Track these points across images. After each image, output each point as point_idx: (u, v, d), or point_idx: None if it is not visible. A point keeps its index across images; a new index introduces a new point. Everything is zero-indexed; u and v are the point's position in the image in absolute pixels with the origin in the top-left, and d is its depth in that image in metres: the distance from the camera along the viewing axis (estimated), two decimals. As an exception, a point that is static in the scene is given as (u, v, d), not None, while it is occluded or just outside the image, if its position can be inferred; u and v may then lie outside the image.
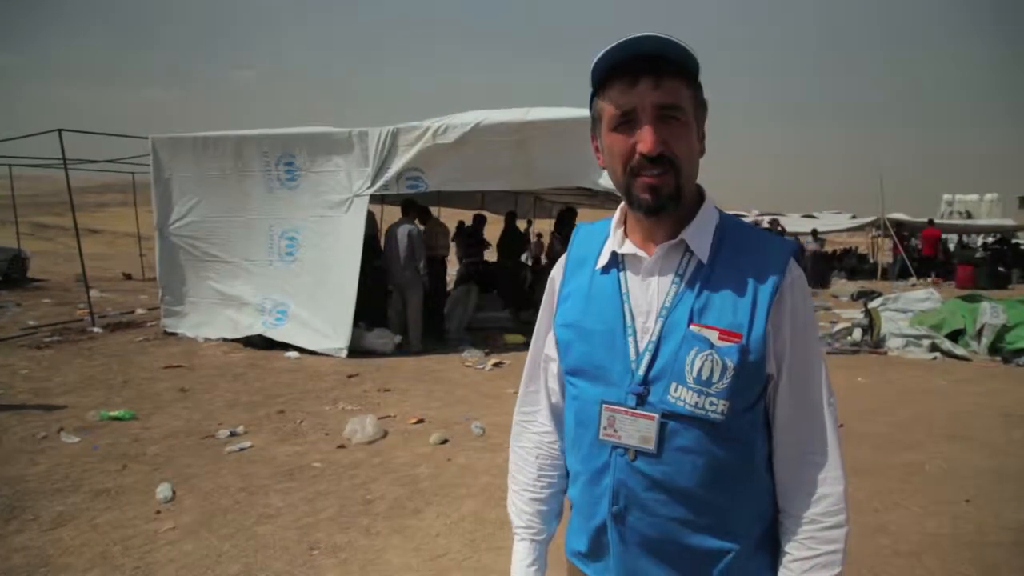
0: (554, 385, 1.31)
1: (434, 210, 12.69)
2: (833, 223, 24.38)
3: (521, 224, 16.42)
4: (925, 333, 8.61)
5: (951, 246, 25.57)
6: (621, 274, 1.15)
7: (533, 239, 14.57)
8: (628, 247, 1.15)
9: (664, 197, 1.06)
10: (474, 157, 7.63)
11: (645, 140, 1.03)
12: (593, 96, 1.12)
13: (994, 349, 8.17)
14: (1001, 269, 17.20)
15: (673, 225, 1.11)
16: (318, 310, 7.94)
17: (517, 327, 9.46)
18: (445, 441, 4.88)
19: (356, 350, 7.74)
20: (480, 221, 11.82)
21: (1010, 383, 6.91)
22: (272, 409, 5.63)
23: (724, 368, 1.04)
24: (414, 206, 8.56)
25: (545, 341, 1.31)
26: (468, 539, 3.40)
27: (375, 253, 8.42)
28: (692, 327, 1.07)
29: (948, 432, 5.19)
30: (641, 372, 1.09)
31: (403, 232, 8.21)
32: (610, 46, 1.02)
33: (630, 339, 1.11)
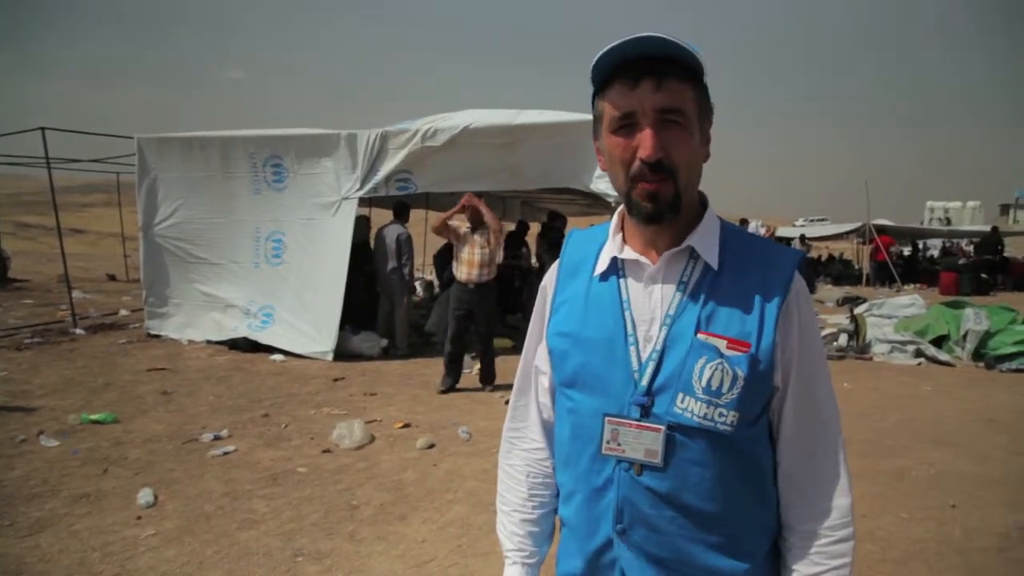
0: (545, 399, 1.26)
1: (421, 212, 12.53)
2: (811, 230, 24.62)
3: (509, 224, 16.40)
4: (910, 339, 8.68)
5: (934, 253, 25.90)
6: (621, 281, 1.11)
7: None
8: (629, 253, 1.11)
9: (663, 205, 1.02)
10: (463, 159, 7.61)
11: (644, 146, 0.99)
12: (594, 96, 1.08)
13: (978, 355, 8.26)
14: (984, 276, 17.39)
15: (676, 232, 1.08)
16: (304, 313, 7.88)
17: (504, 331, 9.41)
18: (432, 446, 4.84)
19: (342, 353, 7.68)
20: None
21: (993, 388, 6.97)
22: (256, 413, 5.56)
23: (734, 378, 1.01)
24: (407, 209, 8.51)
25: (536, 353, 1.26)
26: (454, 545, 3.37)
27: (366, 258, 8.34)
28: (699, 336, 1.03)
29: (933, 437, 5.22)
30: (644, 382, 1.05)
31: (391, 235, 8.17)
32: (611, 45, 0.99)
33: (631, 348, 1.06)
